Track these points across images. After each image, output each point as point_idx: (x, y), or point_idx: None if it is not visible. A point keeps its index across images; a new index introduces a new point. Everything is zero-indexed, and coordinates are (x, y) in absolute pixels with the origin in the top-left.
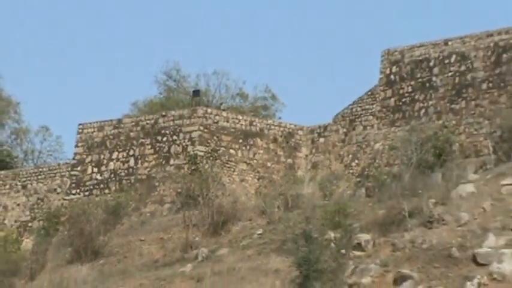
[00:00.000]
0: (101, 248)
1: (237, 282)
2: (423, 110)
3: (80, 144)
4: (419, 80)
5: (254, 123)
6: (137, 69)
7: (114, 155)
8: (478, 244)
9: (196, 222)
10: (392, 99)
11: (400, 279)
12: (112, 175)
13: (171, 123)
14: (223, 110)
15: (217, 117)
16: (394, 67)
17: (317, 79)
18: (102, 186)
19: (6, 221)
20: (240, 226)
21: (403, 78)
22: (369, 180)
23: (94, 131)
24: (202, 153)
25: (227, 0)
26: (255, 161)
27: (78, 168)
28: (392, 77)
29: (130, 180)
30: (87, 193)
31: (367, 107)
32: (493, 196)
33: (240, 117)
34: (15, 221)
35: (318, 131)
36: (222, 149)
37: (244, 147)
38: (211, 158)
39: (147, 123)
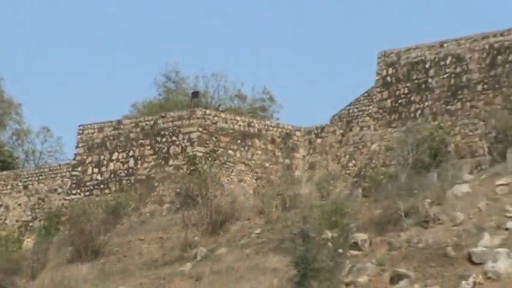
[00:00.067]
0: (101, 247)
1: (236, 281)
2: (419, 111)
3: (80, 145)
4: (415, 81)
5: (252, 124)
6: (137, 71)
7: (114, 156)
8: (473, 243)
9: (195, 221)
10: (389, 101)
11: (396, 278)
12: (112, 175)
13: (170, 124)
14: (222, 111)
15: (215, 119)
16: (391, 69)
17: (314, 80)
18: (102, 186)
19: (7, 221)
20: (239, 226)
21: (399, 80)
22: (365, 181)
23: (94, 132)
24: (201, 154)
25: (226, 2)
26: (253, 162)
27: (79, 169)
28: (388, 78)
29: (130, 181)
30: (87, 193)
31: (363, 108)
32: (488, 196)
33: (239, 119)
34: (17, 221)
35: (315, 132)
36: (221, 149)
37: (242, 148)
38: (210, 158)
39: (146, 124)
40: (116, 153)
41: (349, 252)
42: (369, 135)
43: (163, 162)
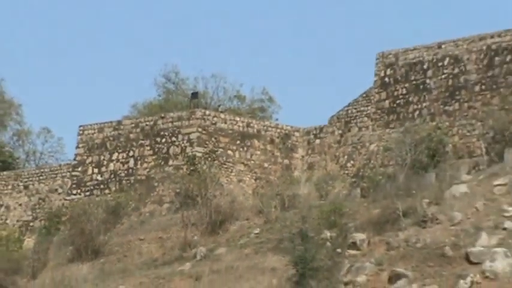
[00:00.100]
0: (101, 247)
1: (235, 280)
2: (417, 112)
3: (80, 146)
4: (413, 82)
5: (251, 125)
6: (137, 72)
7: (114, 156)
8: (471, 243)
9: (195, 221)
10: (387, 101)
11: (394, 277)
12: (112, 176)
13: (170, 124)
14: (221, 112)
15: (215, 119)
16: (389, 70)
17: (313, 81)
18: (102, 186)
19: (8, 221)
20: (238, 225)
21: (397, 81)
22: (364, 181)
23: (94, 133)
24: (200, 154)
25: (225, 4)
26: (252, 162)
27: (79, 169)
28: (386, 79)
29: (130, 181)
30: (87, 193)
31: (362, 108)
32: (486, 196)
33: (238, 119)
34: (17, 221)
35: (314, 132)
36: (220, 150)
37: (241, 149)
38: (209, 159)
39: (146, 125)
40: (116, 154)
41: (348, 251)
42: (368, 136)
43: (163, 163)
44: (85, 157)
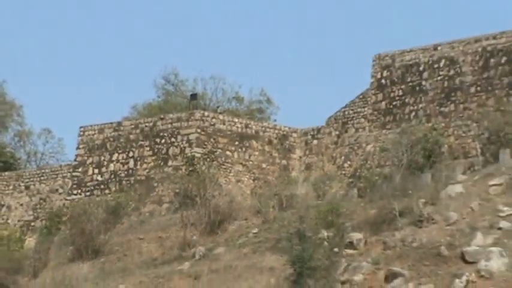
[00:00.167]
0: (101, 246)
1: (233, 279)
2: (413, 113)
3: (81, 146)
4: (410, 83)
5: (250, 126)
6: (136, 74)
7: (114, 157)
8: (466, 242)
9: (194, 221)
10: (384, 103)
11: (391, 276)
12: (112, 176)
13: (169, 125)
14: (220, 113)
15: (214, 120)
16: (385, 71)
17: (310, 83)
18: (102, 186)
19: (9, 221)
20: (236, 225)
21: (393, 82)
22: (360, 181)
23: (95, 134)
24: (199, 155)
25: (224, 6)
26: (250, 163)
27: (80, 170)
28: (383, 81)
29: (129, 181)
30: (88, 193)
31: (359, 110)
32: (481, 196)
33: (236, 120)
34: (19, 221)
35: (312, 133)
36: (219, 150)
37: (240, 149)
38: (208, 159)
39: (146, 126)
40: (116, 154)
41: (345, 251)
42: (364, 137)
43: (162, 163)
44: (85, 158)
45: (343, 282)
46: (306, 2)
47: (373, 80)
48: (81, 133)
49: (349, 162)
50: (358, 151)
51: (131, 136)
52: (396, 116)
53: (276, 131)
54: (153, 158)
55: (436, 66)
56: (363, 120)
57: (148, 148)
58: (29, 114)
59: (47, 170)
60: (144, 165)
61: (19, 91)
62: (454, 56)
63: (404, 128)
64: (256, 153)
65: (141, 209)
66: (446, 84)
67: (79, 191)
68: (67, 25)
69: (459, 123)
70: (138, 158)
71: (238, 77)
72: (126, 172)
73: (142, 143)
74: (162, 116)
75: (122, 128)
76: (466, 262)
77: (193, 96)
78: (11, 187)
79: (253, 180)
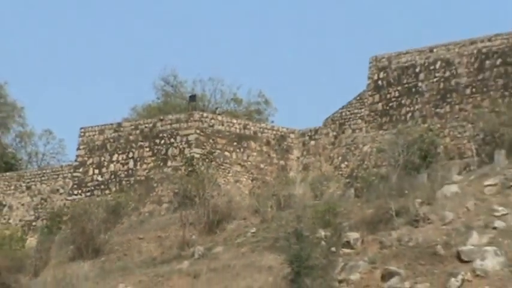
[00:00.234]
0: (101, 245)
1: (232, 278)
2: (409, 114)
3: (81, 147)
4: (406, 85)
5: (248, 127)
6: (136, 75)
7: (114, 157)
8: (462, 242)
9: (193, 221)
10: (380, 104)
11: (387, 275)
12: (112, 176)
13: (169, 126)
14: (219, 114)
15: (212, 121)
16: (382, 73)
17: (308, 84)
18: (102, 187)
19: (11, 220)
20: (235, 225)
21: (390, 84)
22: (357, 181)
23: (95, 135)
24: (198, 156)
25: (223, 8)
26: (248, 163)
27: (80, 170)
28: (379, 82)
29: (129, 181)
30: (88, 193)
31: (355, 111)
32: (476, 196)
33: (235, 121)
34: (20, 220)
35: (309, 134)
36: (218, 151)
37: (238, 150)
38: (207, 160)
39: (145, 127)
40: (116, 155)
41: (342, 250)
42: (361, 137)
43: (161, 164)
44: (86, 158)
45: (340, 281)
46: (303, 4)
47: (370, 82)
48: (82, 134)
49: (346, 163)
50: (355, 152)
51: (131, 137)
52: (393, 117)
53: (274, 132)
54: (153, 158)
55: (432, 68)
56: (359, 121)
57: (148, 149)
58: (30, 116)
59: (48, 171)
60: (144, 166)
61: (20, 93)
62: (449, 57)
63: (400, 129)
64: (255, 153)
65: (141, 208)
66: (442, 85)
67: (79, 191)
68: (68, 27)
69: (455, 124)
70: (138, 159)
71: (237, 79)
72: (126, 172)
73: (142, 143)
74: (161, 117)
75: (121, 129)
76: (462, 261)
77: (192, 97)
78: (12, 187)
79: (252, 180)
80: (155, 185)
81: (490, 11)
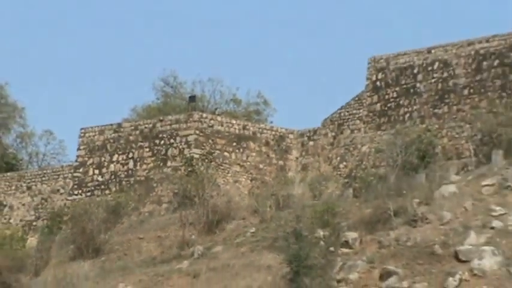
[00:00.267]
0: (102, 245)
1: (231, 278)
2: (408, 115)
3: (81, 148)
4: (404, 86)
5: (247, 127)
6: (136, 76)
7: (114, 158)
8: (459, 242)
9: (193, 221)
10: (378, 105)
11: (385, 275)
12: (112, 176)
13: (168, 127)
14: (218, 114)
15: (212, 122)
16: (380, 74)
17: (307, 85)
18: (103, 187)
19: (12, 220)
20: (234, 225)
21: (388, 85)
22: (356, 181)
23: (95, 135)
24: (197, 156)
25: (222, 9)
26: (248, 163)
27: (80, 170)
28: (378, 83)
29: (129, 182)
30: (88, 194)
31: (354, 111)
32: (474, 196)
33: (234, 122)
34: (21, 220)
35: (308, 134)
36: (217, 151)
37: (237, 150)
38: (206, 160)
39: (145, 128)
40: (116, 155)
41: (341, 250)
42: (360, 138)
43: (161, 164)
44: (86, 159)
45: (338, 281)
46: (302, 5)
47: (368, 83)
48: (82, 134)
49: (344, 163)
50: (353, 152)
51: (131, 137)
52: (391, 117)
53: (273, 133)
54: (153, 158)
55: (430, 68)
56: (358, 121)
57: (147, 149)
58: (31, 116)
59: (48, 171)
60: (144, 166)
61: (21, 93)
62: (447, 58)
63: (398, 130)
64: (254, 154)
65: (141, 208)
66: (440, 86)
67: (80, 191)
68: (67, 26)
69: (452, 125)
70: (138, 159)
71: (236, 80)
72: (126, 173)
73: (142, 144)
74: (161, 118)
75: (121, 129)
76: (460, 261)
77: (192, 98)
78: (13, 187)
79: (251, 180)
80: (155, 185)
81: (487, 13)
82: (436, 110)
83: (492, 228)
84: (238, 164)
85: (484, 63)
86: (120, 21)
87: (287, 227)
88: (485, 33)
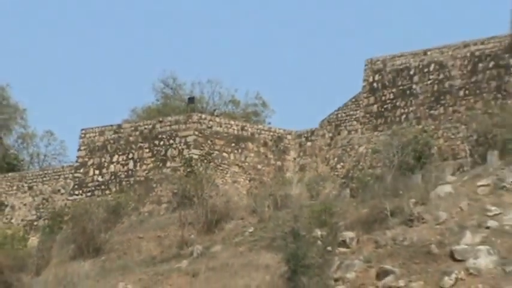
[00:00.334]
0: (102, 245)
1: (230, 277)
2: (404, 116)
3: (82, 148)
4: (400, 87)
5: (245, 128)
6: (136, 78)
7: (115, 158)
8: (455, 241)
9: (192, 220)
10: (375, 106)
11: (382, 274)
12: (112, 177)
13: (168, 128)
14: (217, 116)
15: (211, 123)
16: (377, 75)
17: (305, 86)
18: (103, 187)
19: (13, 220)
20: (233, 224)
21: (385, 86)
22: (353, 182)
23: (95, 136)
24: (197, 157)
25: (221, 11)
26: (246, 164)
27: (81, 171)
28: (375, 84)
29: (129, 182)
30: (89, 194)
31: (351, 113)
32: (470, 196)
33: (232, 123)
34: (22, 220)
35: (306, 135)
36: (216, 152)
37: (236, 151)
38: (205, 160)
39: (145, 128)
40: (116, 156)
41: (338, 249)
42: (357, 139)
43: (161, 164)
44: (86, 159)
45: (336, 280)
46: (300, 6)
47: (365, 84)
48: (83, 135)
49: (342, 164)
50: (350, 153)
51: (131, 138)
52: (387, 118)
53: (271, 133)
54: (152, 159)
55: (426, 70)
56: (355, 122)
57: (147, 150)
58: (32, 117)
59: (49, 171)
60: (144, 167)
61: (21, 94)
62: (443, 60)
63: (395, 130)
64: (252, 154)
65: (141, 208)
66: (436, 87)
67: (80, 191)
68: (67, 26)
69: (448, 126)
70: (138, 160)
71: (234, 81)
72: (126, 173)
73: (142, 145)
74: (160, 119)
75: (122, 130)
76: (455, 260)
77: (191, 99)
78: (14, 188)
79: (249, 180)
80: (154, 185)
81: (482, 15)
82: (432, 111)
83: (487, 228)
84: (237, 165)
85: (480, 65)
86: (120, 22)
87: (285, 227)
88: (480, 35)
